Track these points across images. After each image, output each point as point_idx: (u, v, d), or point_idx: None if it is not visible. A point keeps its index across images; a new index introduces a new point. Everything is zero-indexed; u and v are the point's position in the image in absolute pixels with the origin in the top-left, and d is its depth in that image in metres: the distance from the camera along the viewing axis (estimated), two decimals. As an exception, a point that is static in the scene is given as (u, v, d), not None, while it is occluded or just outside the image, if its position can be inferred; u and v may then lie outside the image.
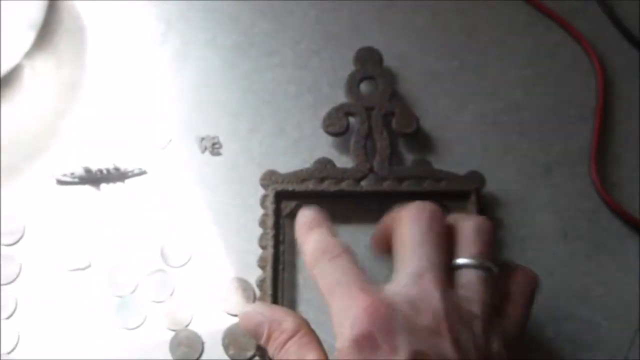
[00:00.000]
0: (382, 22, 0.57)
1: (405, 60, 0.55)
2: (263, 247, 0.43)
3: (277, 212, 0.43)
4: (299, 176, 0.44)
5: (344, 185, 0.44)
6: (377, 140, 0.46)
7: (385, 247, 0.37)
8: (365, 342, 0.30)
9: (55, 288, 0.50)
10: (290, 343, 0.36)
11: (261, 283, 0.42)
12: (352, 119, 0.48)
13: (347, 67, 0.54)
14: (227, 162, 0.53)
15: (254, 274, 0.48)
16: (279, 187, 0.44)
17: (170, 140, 0.54)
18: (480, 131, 0.53)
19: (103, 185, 0.53)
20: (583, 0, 0.57)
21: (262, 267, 0.42)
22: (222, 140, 0.54)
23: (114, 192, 0.53)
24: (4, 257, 0.51)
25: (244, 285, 0.48)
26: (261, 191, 0.49)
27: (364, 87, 0.51)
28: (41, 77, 0.58)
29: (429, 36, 0.57)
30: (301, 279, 0.47)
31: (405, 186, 0.44)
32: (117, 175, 0.53)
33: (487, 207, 0.47)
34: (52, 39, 0.59)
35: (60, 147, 0.55)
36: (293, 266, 0.47)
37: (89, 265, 0.51)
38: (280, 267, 0.43)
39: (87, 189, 0.53)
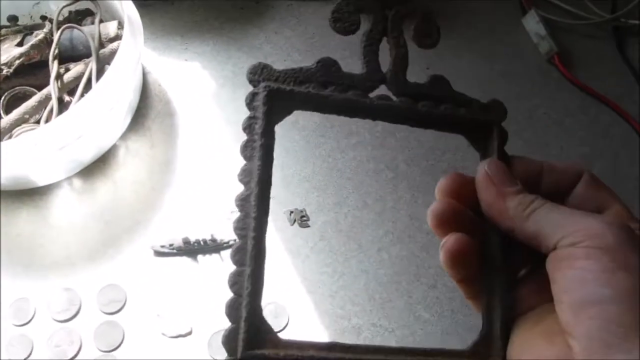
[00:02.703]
0: (449, 105, 0.63)
1: (473, 139, 0.61)
2: (247, 158, 0.33)
3: (269, 115, 0.33)
4: (298, 77, 0.34)
5: (351, 95, 0.34)
6: (392, 48, 0.35)
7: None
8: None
9: (157, 354, 0.53)
10: None
11: (243, 202, 0.32)
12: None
13: (422, 146, 0.60)
14: (316, 233, 0.57)
15: (349, 338, 0.52)
16: (274, 86, 0.33)
17: (261, 214, 0.59)
18: (547, 203, 0.58)
19: (200, 257, 0.57)
20: (629, 86, 0.64)
21: (245, 183, 0.32)
22: (309, 213, 0.58)
23: (211, 262, 0.57)
24: (108, 324, 0.55)
25: (339, 349, 0.52)
26: (350, 261, 0.54)
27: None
28: (136, 156, 0.63)
29: (493, 118, 0.63)
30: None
31: (422, 106, 0.34)
32: (213, 247, 0.57)
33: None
34: (145, 122, 0.65)
35: (158, 220, 0.59)
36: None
37: (190, 332, 0.54)
38: (268, 184, 0.33)
39: (185, 259, 0.57)
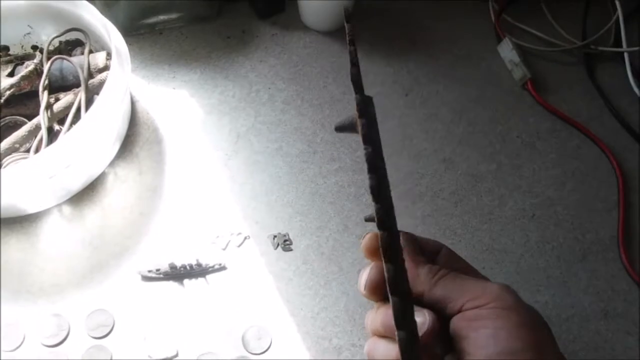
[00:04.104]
0: (426, 131, 0.66)
1: (449, 163, 0.64)
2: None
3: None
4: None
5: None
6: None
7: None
8: None
9: (144, 377, 0.55)
10: None
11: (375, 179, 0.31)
12: None
13: (400, 170, 0.62)
14: (298, 256, 0.59)
15: (330, 358, 0.54)
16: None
17: (245, 238, 0.60)
18: (521, 224, 0.60)
19: (186, 281, 0.59)
20: (597, 109, 0.67)
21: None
22: (292, 237, 0.60)
23: (197, 286, 0.58)
24: (96, 348, 0.56)
25: (321, 369, 0.54)
26: (331, 284, 0.56)
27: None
28: (124, 182, 0.65)
29: (468, 143, 0.65)
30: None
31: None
32: (199, 271, 0.59)
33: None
34: (133, 149, 0.67)
35: (145, 246, 0.61)
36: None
37: (176, 355, 0.55)
38: None
39: (171, 284, 0.59)
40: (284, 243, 0.60)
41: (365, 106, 0.33)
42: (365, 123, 0.32)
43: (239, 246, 0.60)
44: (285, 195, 0.62)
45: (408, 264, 0.34)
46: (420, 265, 0.34)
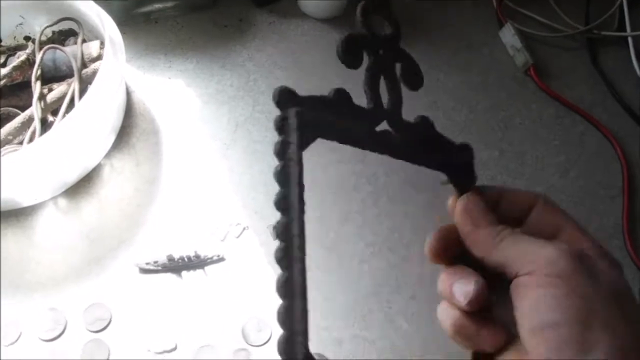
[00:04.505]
0: (427, 118, 0.64)
1: (451, 151, 0.62)
2: (282, 184, 0.32)
3: (301, 140, 0.32)
4: (320, 105, 0.33)
5: (367, 129, 0.35)
6: (388, 90, 0.35)
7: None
8: None
9: (143, 371, 0.54)
10: None
11: (284, 231, 0.31)
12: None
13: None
14: (298, 247, 0.58)
15: (331, 349, 0.53)
16: (305, 111, 0.32)
17: (244, 229, 0.59)
18: (524, 212, 0.59)
19: (184, 273, 0.58)
20: (601, 95, 0.66)
21: (283, 210, 0.31)
22: (291, 227, 0.59)
23: (195, 278, 0.58)
24: (93, 342, 0.55)
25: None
26: (331, 275, 0.55)
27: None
28: (121, 174, 0.64)
29: (470, 130, 0.64)
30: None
31: (418, 147, 0.36)
32: (197, 263, 0.58)
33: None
34: (129, 141, 0.66)
35: (142, 238, 0.60)
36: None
37: (175, 348, 0.55)
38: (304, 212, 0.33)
39: (169, 276, 0.58)
40: (284, 234, 0.59)
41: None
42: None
43: (238, 237, 0.59)
44: (284, 186, 0.61)
45: (467, 230, 0.32)
46: (481, 228, 0.32)
